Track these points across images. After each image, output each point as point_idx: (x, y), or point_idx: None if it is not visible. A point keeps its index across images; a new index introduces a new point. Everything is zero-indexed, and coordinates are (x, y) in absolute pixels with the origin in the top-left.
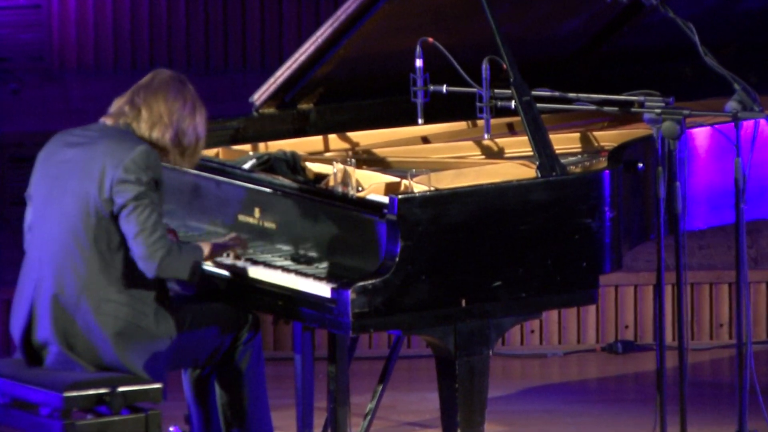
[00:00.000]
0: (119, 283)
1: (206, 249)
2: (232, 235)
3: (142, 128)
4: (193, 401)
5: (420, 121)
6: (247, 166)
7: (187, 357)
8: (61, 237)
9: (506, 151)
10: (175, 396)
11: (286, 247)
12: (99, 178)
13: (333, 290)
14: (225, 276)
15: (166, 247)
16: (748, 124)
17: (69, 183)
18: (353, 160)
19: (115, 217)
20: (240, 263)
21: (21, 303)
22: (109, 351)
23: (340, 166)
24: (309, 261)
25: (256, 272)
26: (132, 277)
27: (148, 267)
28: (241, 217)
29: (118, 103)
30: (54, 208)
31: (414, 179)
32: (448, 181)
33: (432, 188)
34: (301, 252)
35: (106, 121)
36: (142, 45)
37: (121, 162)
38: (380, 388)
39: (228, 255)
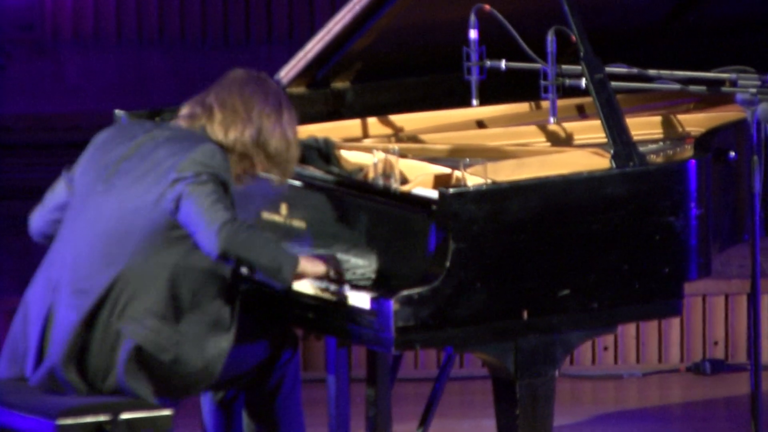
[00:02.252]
0: (157, 307)
1: (306, 264)
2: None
3: (216, 130)
4: (213, 430)
5: (474, 102)
6: None
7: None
8: (92, 243)
9: (575, 137)
10: (188, 422)
11: (317, 250)
12: (152, 183)
13: (373, 300)
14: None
15: (231, 215)
16: None
17: (117, 183)
18: (396, 148)
19: (168, 224)
20: None
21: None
22: (117, 374)
23: (381, 155)
24: (344, 266)
25: None
26: (175, 304)
27: (209, 237)
28: (266, 215)
29: (187, 107)
30: (90, 208)
31: (467, 170)
32: (507, 172)
33: (488, 181)
34: (335, 255)
35: (181, 123)
36: (150, 12)
37: (189, 152)
38: (428, 414)
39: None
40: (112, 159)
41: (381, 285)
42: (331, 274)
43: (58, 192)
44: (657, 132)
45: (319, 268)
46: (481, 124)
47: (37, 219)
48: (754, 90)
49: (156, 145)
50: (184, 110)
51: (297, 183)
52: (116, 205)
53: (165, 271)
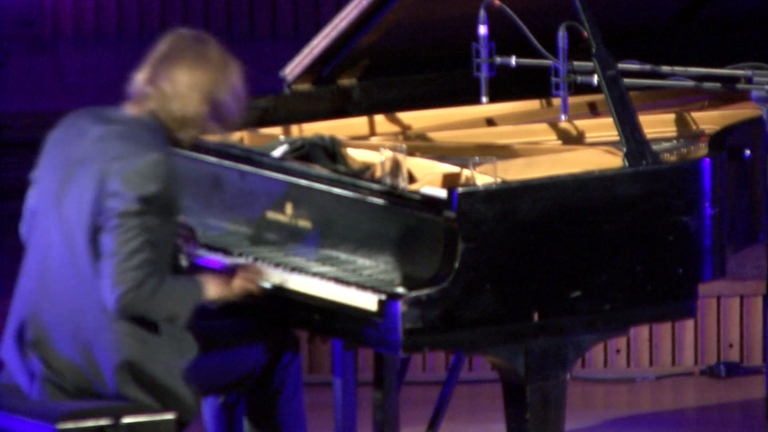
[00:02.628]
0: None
1: (212, 287)
2: (246, 263)
3: (174, 111)
4: None
5: (484, 99)
6: (277, 153)
7: (214, 382)
8: (60, 247)
9: (587, 135)
10: (192, 428)
11: (323, 251)
12: (99, 187)
13: (380, 302)
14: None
15: (136, 281)
16: None
17: (74, 184)
18: (404, 147)
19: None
20: (267, 269)
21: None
22: (111, 383)
23: (388, 153)
24: (351, 267)
25: (287, 280)
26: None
27: (108, 296)
28: (270, 215)
29: (138, 81)
30: (53, 213)
31: (477, 169)
32: (517, 171)
33: (498, 180)
34: (342, 256)
35: (130, 109)
36: (152, 8)
37: (124, 170)
38: (436, 418)
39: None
40: (68, 159)
41: (388, 286)
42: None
43: (30, 196)
44: (670, 130)
45: (226, 292)
46: (490, 121)
47: (22, 227)
48: None
49: (105, 143)
50: (135, 86)
51: (302, 182)
52: (76, 208)
53: None
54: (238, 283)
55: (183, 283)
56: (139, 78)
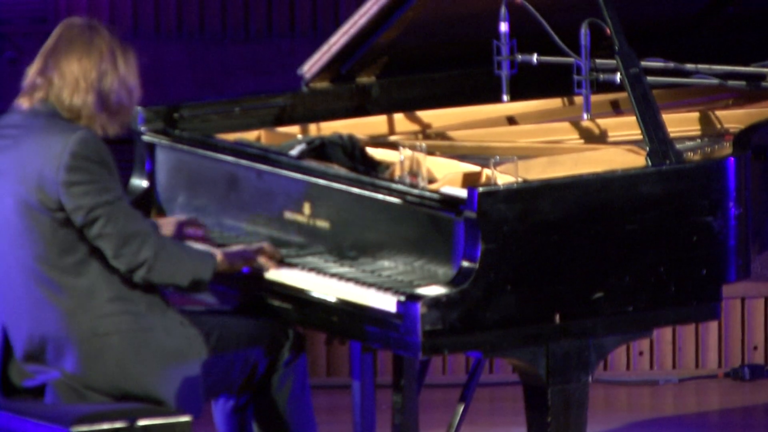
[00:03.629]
0: (108, 292)
1: (219, 257)
2: (261, 244)
3: (62, 96)
4: None
5: (505, 97)
6: (294, 152)
7: (218, 383)
8: (19, 264)
9: (609, 134)
10: (203, 431)
11: (341, 251)
12: (39, 184)
13: (399, 303)
14: (266, 285)
15: (152, 248)
16: None
17: (4, 199)
18: (424, 145)
19: (71, 221)
20: (284, 270)
21: None
22: (125, 377)
23: (408, 152)
24: (370, 268)
25: (305, 281)
26: (117, 279)
27: (137, 277)
28: (288, 215)
29: (29, 74)
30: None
31: (498, 168)
32: (539, 170)
33: (520, 179)
34: (360, 257)
35: (23, 103)
36: (168, 4)
37: (60, 161)
38: (456, 421)
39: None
40: None
41: (407, 287)
42: (262, 262)
43: None
44: (694, 129)
45: (245, 256)
46: (511, 120)
47: None
48: None
49: (18, 146)
50: (26, 79)
51: (321, 181)
52: (16, 219)
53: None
54: (238, 254)
55: (194, 250)
56: (31, 71)
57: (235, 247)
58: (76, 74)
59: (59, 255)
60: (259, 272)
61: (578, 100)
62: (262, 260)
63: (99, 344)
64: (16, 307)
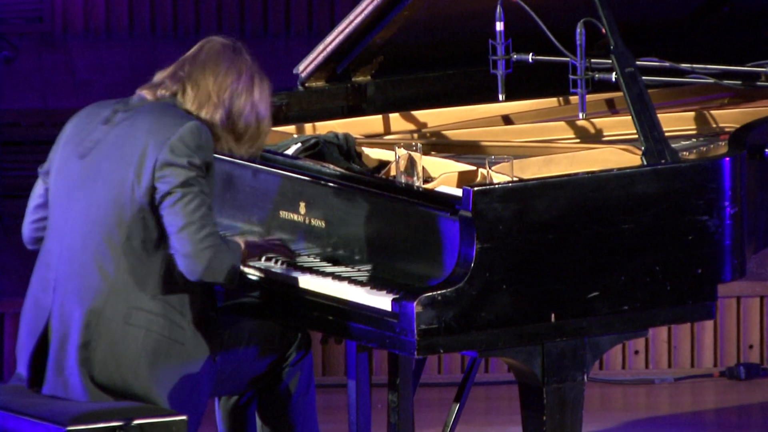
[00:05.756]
0: (154, 289)
1: (243, 246)
2: (274, 239)
3: (189, 105)
4: None
5: (501, 97)
6: (290, 151)
7: (225, 383)
8: (88, 231)
9: (605, 133)
10: (206, 429)
11: (337, 250)
12: (139, 162)
13: (394, 302)
14: (260, 284)
15: (215, 246)
16: None
17: (101, 167)
18: (419, 145)
19: (155, 208)
20: (279, 269)
21: (32, 313)
22: (137, 373)
23: (403, 151)
24: (365, 267)
25: (300, 280)
26: (170, 281)
27: (191, 268)
28: (283, 214)
29: (159, 76)
30: (80, 197)
31: (493, 168)
32: (534, 169)
33: (515, 178)
34: (356, 256)
35: (145, 94)
36: (164, 4)
37: (167, 141)
38: (452, 420)
39: (271, 260)
40: (89, 145)
41: (402, 286)
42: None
43: (37, 192)
44: (690, 128)
45: (264, 246)
46: (507, 119)
47: (25, 226)
48: None
49: (132, 121)
50: (154, 80)
51: (316, 181)
52: (105, 190)
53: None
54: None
55: (229, 243)
56: (163, 73)
57: (252, 238)
58: (210, 88)
59: (126, 236)
60: (273, 268)
61: (574, 99)
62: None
63: (125, 333)
64: (64, 268)
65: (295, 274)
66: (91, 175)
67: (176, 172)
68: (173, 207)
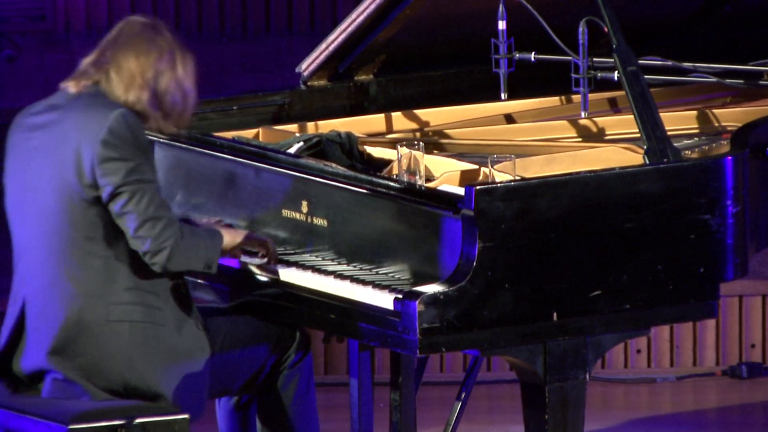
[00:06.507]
0: (125, 280)
1: (227, 236)
2: (266, 238)
3: (115, 90)
4: None
5: (503, 96)
6: (292, 150)
7: (223, 383)
8: (45, 240)
9: (607, 132)
10: (206, 429)
11: (339, 249)
12: (76, 161)
13: (397, 301)
14: (264, 283)
15: (175, 235)
16: None
17: (43, 174)
18: (422, 144)
19: (100, 201)
20: (283, 268)
21: (5, 322)
22: (132, 368)
23: (405, 150)
24: (367, 265)
25: (303, 279)
26: (138, 268)
27: (156, 262)
28: (286, 212)
29: (83, 63)
30: (30, 209)
31: (495, 166)
32: (536, 168)
33: (517, 177)
34: (358, 254)
35: (69, 87)
36: (166, 3)
37: (98, 135)
38: (454, 418)
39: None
40: (29, 155)
41: (405, 285)
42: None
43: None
44: (692, 127)
45: (248, 234)
46: (509, 118)
47: None
48: None
49: (61, 121)
50: (79, 69)
51: (318, 179)
52: (52, 197)
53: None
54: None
55: (205, 231)
56: (86, 61)
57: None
58: (134, 70)
59: (85, 237)
60: (258, 266)
61: (576, 98)
62: (259, 261)
63: (109, 331)
64: (37, 284)
65: (297, 272)
66: (35, 184)
67: (116, 166)
68: (124, 209)
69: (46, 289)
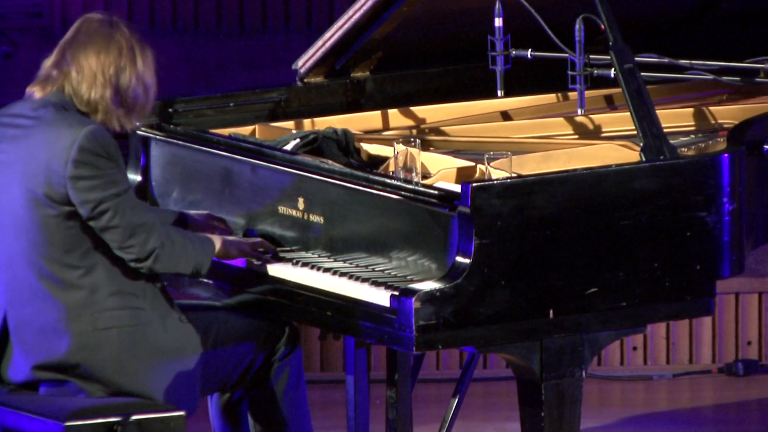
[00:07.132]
0: (107, 286)
1: (218, 243)
2: (257, 240)
3: (81, 91)
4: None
5: (499, 93)
6: (289, 147)
7: (214, 379)
8: (23, 256)
9: (604, 129)
10: (200, 426)
11: (335, 246)
12: (46, 178)
13: (393, 298)
14: (260, 280)
15: (159, 238)
16: None
17: (12, 189)
18: (418, 141)
19: (78, 215)
20: (278, 265)
21: None
22: (124, 373)
23: (402, 147)
24: (364, 262)
25: (299, 276)
26: (117, 273)
27: (143, 266)
28: (282, 209)
29: (45, 65)
30: (4, 220)
31: (492, 164)
32: (533, 165)
33: (514, 174)
34: (355, 252)
35: (35, 92)
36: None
37: (68, 153)
38: (450, 415)
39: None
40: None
41: (401, 282)
42: (258, 250)
43: None
44: (689, 124)
45: (241, 247)
46: (506, 115)
47: None
48: None
49: (29, 137)
50: (41, 71)
51: (315, 176)
52: (25, 213)
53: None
54: (235, 243)
55: (195, 237)
56: (47, 62)
57: (233, 237)
58: (95, 69)
59: (63, 250)
60: (253, 266)
61: (573, 95)
62: (254, 261)
63: (97, 338)
64: (18, 298)
65: (293, 269)
66: (7, 198)
67: (90, 184)
68: (109, 224)
69: (25, 302)
